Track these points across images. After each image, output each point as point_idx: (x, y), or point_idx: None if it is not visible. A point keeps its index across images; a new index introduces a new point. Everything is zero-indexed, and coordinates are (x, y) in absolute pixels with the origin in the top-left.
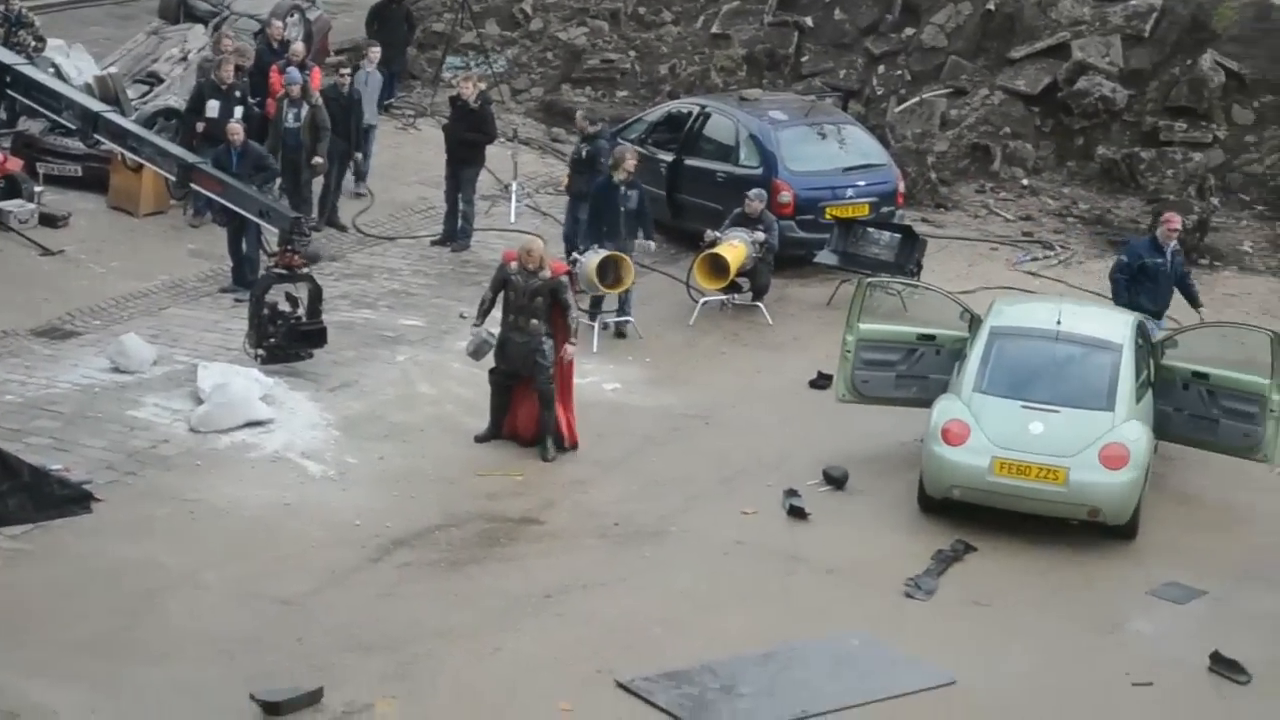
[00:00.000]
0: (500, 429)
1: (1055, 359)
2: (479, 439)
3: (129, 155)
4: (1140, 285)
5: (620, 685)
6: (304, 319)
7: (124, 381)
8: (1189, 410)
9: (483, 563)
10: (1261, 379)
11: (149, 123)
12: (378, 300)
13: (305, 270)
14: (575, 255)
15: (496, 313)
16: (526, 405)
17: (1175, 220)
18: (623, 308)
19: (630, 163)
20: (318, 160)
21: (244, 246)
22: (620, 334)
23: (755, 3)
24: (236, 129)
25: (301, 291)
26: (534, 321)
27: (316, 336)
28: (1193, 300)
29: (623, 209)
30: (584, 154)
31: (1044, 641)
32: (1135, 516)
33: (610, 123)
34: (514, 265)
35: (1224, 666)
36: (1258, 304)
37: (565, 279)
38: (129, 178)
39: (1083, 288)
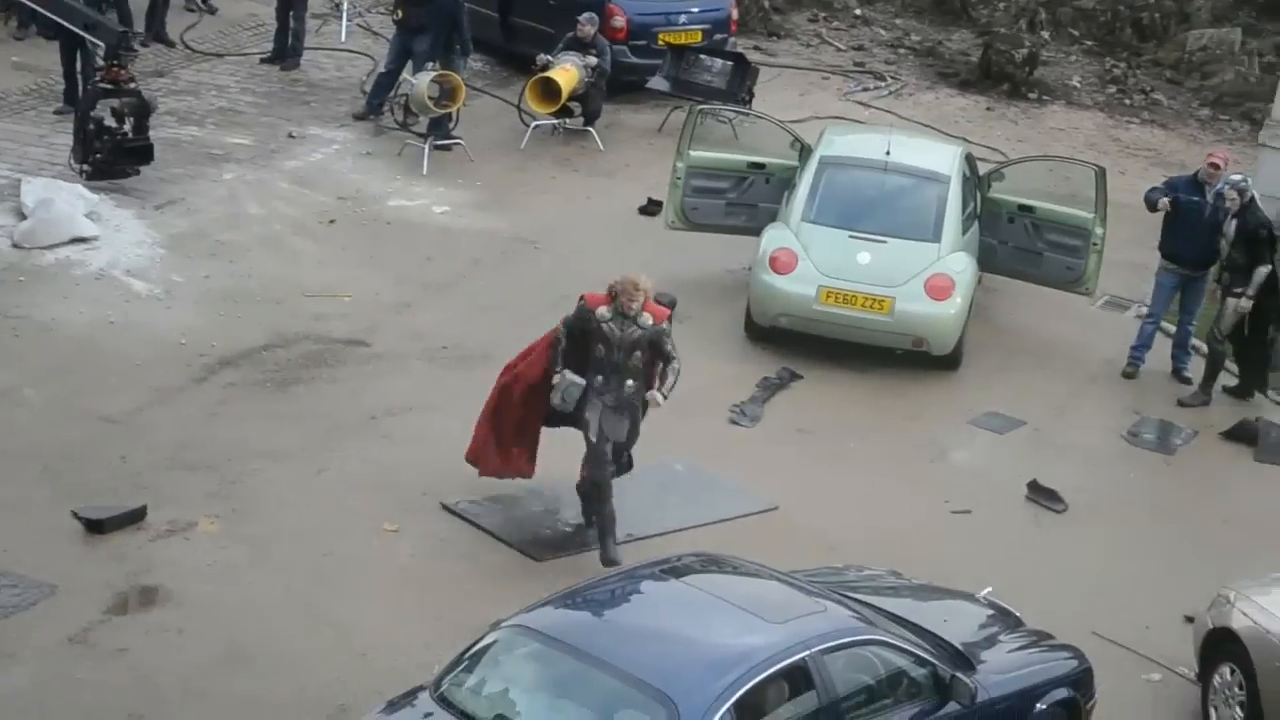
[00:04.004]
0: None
1: (883, 190)
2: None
3: None
4: (1173, 228)
5: (445, 507)
6: (130, 135)
7: None
8: (1014, 243)
9: (309, 384)
10: (1085, 213)
11: None
12: (205, 118)
13: (132, 86)
14: (406, 77)
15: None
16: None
17: (1217, 156)
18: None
19: None
20: None
21: (78, 64)
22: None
23: None
24: None
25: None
26: (630, 383)
27: (143, 153)
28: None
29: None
30: None
31: (866, 469)
32: (959, 347)
33: None
34: (605, 310)
35: (1041, 495)
36: (1084, 139)
37: (667, 324)
38: None
39: (912, 119)
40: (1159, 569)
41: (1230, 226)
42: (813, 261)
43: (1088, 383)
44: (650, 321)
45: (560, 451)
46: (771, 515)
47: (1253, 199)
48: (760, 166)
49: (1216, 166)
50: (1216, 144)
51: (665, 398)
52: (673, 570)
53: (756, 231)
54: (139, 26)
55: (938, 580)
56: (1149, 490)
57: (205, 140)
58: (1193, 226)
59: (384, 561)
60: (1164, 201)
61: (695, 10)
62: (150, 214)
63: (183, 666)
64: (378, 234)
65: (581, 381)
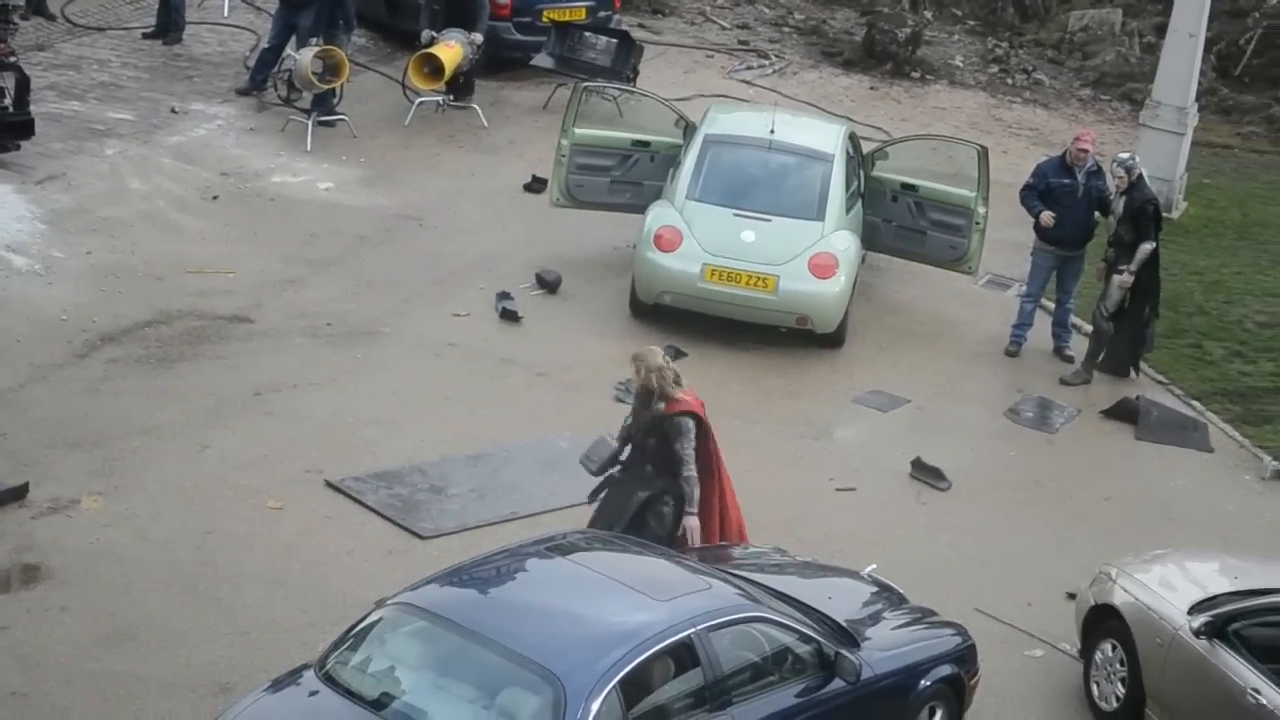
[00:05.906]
0: None
1: (768, 168)
2: None
3: None
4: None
5: (330, 484)
6: (11, 109)
7: None
8: (898, 221)
9: (192, 360)
10: (968, 192)
11: None
12: (87, 92)
13: (12, 59)
14: (289, 53)
15: None
16: None
17: (1085, 139)
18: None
19: None
20: None
21: None
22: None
23: None
24: None
25: (8, 81)
26: (649, 468)
27: (23, 127)
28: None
29: None
30: None
31: (751, 446)
32: (843, 325)
33: None
34: (628, 382)
35: (925, 473)
36: (967, 118)
37: (687, 420)
38: None
39: (796, 98)
40: (1041, 546)
41: (1119, 204)
42: (697, 239)
43: (971, 361)
44: (663, 407)
45: (444, 428)
46: None
47: (1140, 176)
48: (645, 144)
49: (1085, 150)
50: (1097, 124)
51: (692, 514)
52: (558, 547)
53: (641, 209)
54: None
55: (822, 557)
56: (1031, 468)
57: (87, 115)
58: (1067, 209)
59: (268, 539)
60: (1046, 216)
61: None
62: (31, 189)
63: (65, 645)
64: (261, 210)
65: (613, 443)
